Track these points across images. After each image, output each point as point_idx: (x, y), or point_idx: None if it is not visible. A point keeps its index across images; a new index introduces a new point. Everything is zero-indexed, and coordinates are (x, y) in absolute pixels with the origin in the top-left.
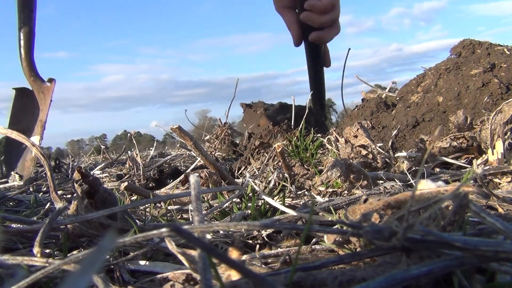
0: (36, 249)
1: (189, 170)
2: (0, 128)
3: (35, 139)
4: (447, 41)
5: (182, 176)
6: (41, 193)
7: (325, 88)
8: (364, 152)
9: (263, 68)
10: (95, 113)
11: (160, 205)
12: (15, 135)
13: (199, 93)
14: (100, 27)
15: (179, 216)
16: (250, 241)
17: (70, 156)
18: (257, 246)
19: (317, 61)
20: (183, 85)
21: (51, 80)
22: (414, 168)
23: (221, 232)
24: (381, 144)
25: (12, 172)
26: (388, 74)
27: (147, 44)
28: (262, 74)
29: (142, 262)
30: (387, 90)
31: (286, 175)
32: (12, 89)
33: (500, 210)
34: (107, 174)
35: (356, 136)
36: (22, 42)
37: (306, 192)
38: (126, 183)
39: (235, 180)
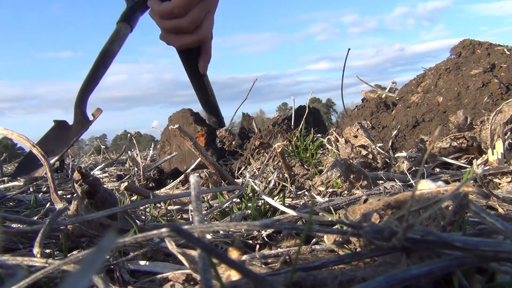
0: (36, 250)
1: (189, 170)
2: (0, 129)
3: (53, 159)
4: (449, 41)
5: (182, 176)
6: (41, 193)
7: (214, 98)
8: (364, 152)
9: (265, 68)
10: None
11: (160, 205)
12: (15, 136)
13: None
14: (105, 26)
15: (179, 216)
16: (250, 241)
17: (70, 156)
18: (257, 246)
19: (189, 64)
20: (187, 85)
21: (98, 111)
22: (414, 168)
23: (221, 232)
24: (381, 144)
25: (19, 177)
26: (390, 74)
27: (151, 44)
28: (264, 74)
29: (142, 262)
30: (387, 90)
31: (286, 175)
32: (53, 121)
33: (500, 210)
34: (107, 174)
35: (356, 136)
36: (85, 83)
37: (306, 192)
38: (126, 183)
39: (235, 180)
